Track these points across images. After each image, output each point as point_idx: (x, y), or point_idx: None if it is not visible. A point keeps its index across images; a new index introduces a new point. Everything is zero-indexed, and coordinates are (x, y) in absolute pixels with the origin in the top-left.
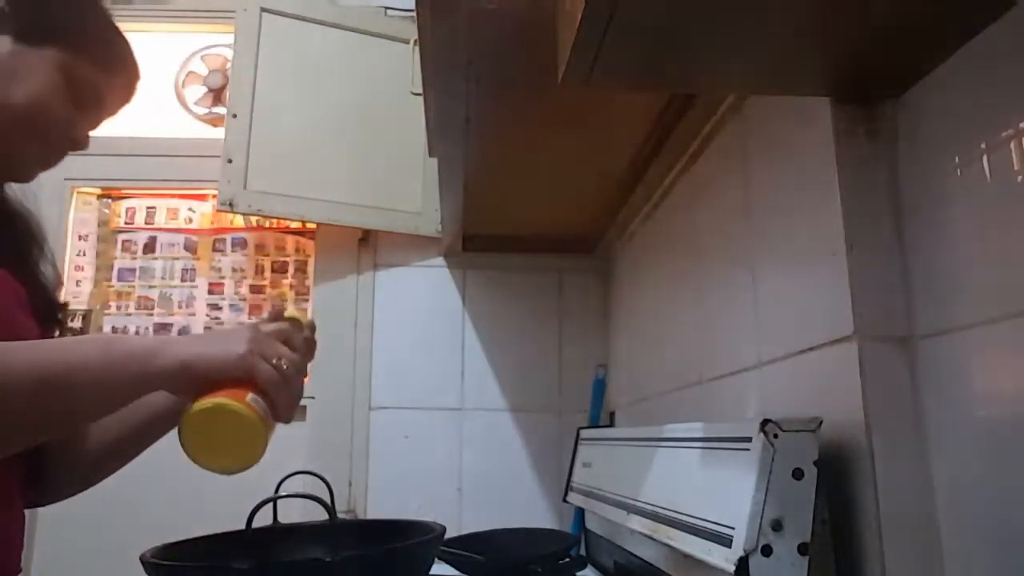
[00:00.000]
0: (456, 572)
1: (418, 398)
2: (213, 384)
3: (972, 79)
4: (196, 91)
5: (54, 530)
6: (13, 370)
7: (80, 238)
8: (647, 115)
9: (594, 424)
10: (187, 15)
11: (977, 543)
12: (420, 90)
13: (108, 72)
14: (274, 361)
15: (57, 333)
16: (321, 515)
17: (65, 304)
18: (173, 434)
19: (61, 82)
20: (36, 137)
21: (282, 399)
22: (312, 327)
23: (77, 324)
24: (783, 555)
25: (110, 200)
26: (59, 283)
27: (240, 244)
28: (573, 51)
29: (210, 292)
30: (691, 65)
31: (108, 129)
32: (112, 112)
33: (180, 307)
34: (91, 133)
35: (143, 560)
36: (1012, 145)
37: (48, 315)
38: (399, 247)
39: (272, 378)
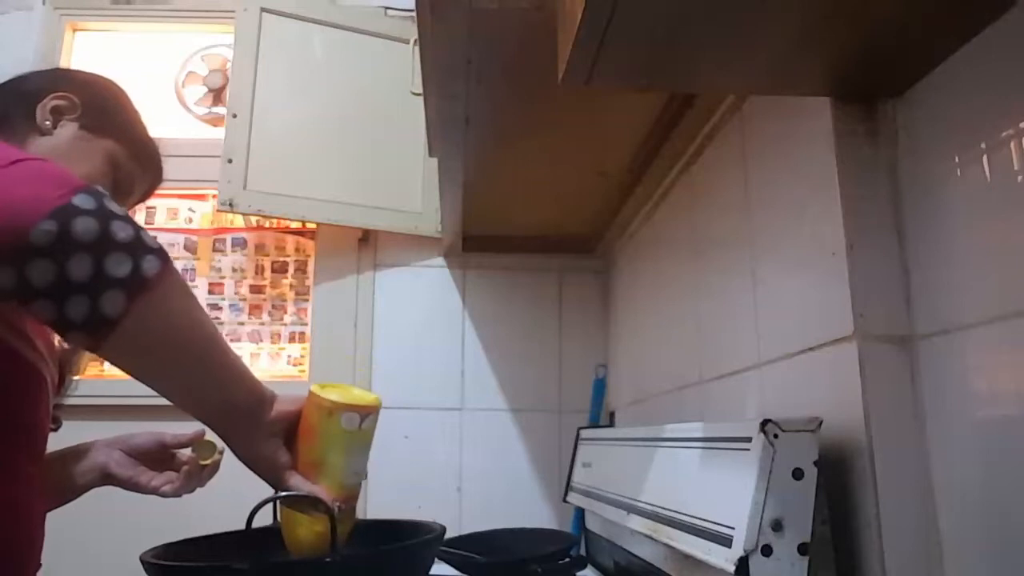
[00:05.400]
0: (456, 572)
1: (418, 398)
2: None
3: (972, 79)
4: (196, 91)
5: (54, 530)
6: (199, 322)
7: None
8: (647, 115)
9: (594, 424)
10: (187, 15)
11: (977, 543)
12: (420, 90)
13: (143, 168)
14: None
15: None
16: None
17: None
18: None
19: (108, 169)
20: None
21: None
22: (221, 452)
23: None
24: (783, 555)
25: (139, 205)
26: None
27: (240, 244)
28: (573, 51)
29: (210, 292)
30: (691, 65)
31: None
32: (135, 203)
33: None
34: None
35: (143, 560)
36: (1012, 145)
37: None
38: (399, 247)
39: None
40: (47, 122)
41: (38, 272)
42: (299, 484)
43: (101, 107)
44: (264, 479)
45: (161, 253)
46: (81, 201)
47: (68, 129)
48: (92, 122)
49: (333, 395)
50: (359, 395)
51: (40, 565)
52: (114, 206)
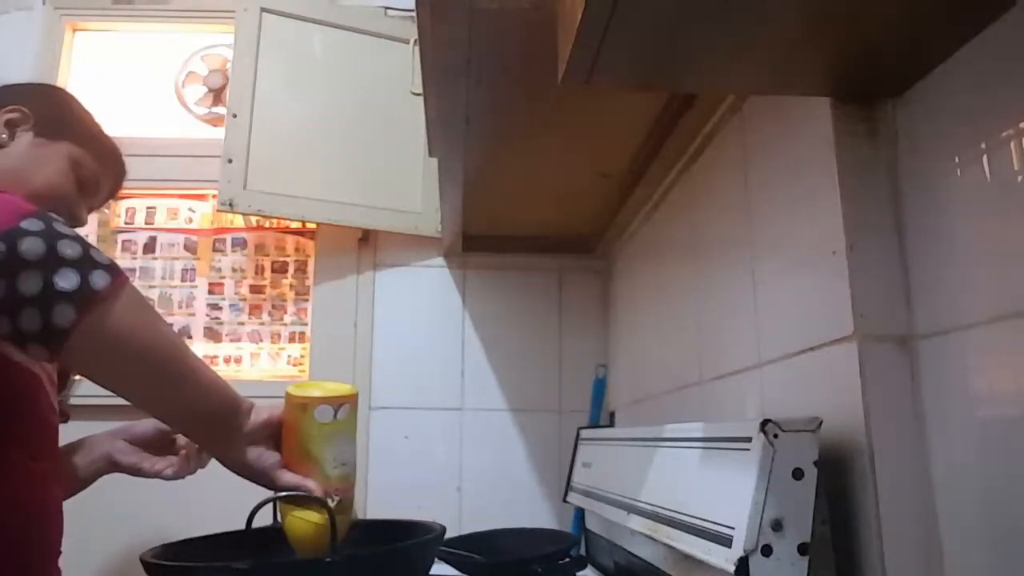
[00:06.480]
0: (456, 572)
1: (418, 398)
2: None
3: (972, 79)
4: (196, 91)
5: None
6: (158, 333)
7: None
8: (647, 115)
9: (594, 424)
10: (187, 15)
11: (977, 543)
12: (420, 90)
13: (105, 166)
14: None
15: None
16: None
17: None
18: None
19: (70, 170)
20: None
21: None
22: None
23: None
24: (783, 555)
25: (110, 200)
26: None
27: (240, 244)
28: (573, 51)
29: (210, 292)
30: (691, 65)
31: (108, 129)
32: (104, 200)
33: (180, 307)
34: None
35: (143, 560)
36: (1012, 145)
37: None
38: (399, 247)
39: None
40: (3, 135)
41: None
42: (289, 480)
43: (52, 113)
44: (257, 483)
45: (111, 268)
46: (28, 224)
47: (24, 139)
48: (46, 129)
49: (306, 392)
50: (333, 388)
51: (60, 552)
52: (64, 228)
